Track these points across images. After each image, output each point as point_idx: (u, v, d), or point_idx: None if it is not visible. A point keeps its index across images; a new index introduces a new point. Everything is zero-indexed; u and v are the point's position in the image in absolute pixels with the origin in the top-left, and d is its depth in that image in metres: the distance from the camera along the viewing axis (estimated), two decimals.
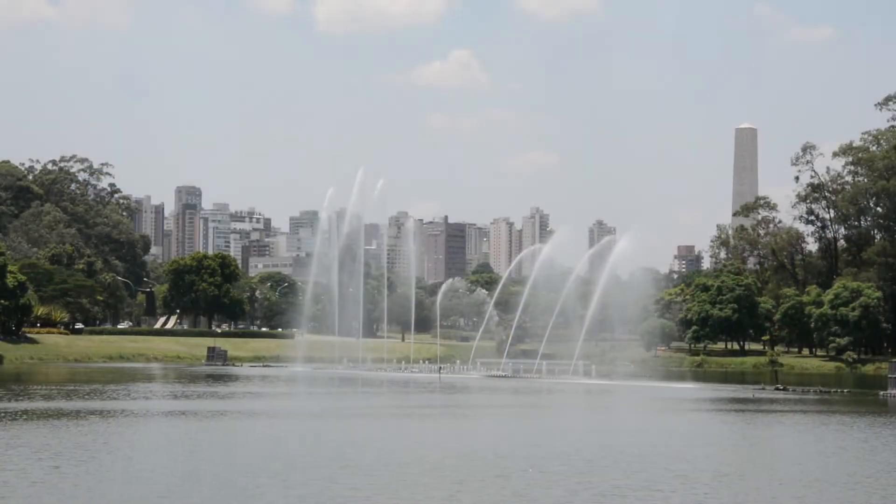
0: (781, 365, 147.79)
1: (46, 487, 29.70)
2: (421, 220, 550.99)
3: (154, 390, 78.51)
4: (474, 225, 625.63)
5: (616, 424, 58.70)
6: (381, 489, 30.39)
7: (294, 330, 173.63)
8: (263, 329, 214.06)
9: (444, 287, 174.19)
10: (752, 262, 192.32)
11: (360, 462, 36.06)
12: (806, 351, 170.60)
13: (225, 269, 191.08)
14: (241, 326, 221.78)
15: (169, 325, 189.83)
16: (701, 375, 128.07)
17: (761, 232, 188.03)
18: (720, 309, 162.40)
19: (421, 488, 30.74)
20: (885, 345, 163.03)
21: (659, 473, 34.64)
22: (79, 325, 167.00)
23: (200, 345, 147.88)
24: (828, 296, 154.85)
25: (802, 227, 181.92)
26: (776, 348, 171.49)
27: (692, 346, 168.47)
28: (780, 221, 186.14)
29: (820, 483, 33.66)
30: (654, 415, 65.04)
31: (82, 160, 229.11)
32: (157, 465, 35.01)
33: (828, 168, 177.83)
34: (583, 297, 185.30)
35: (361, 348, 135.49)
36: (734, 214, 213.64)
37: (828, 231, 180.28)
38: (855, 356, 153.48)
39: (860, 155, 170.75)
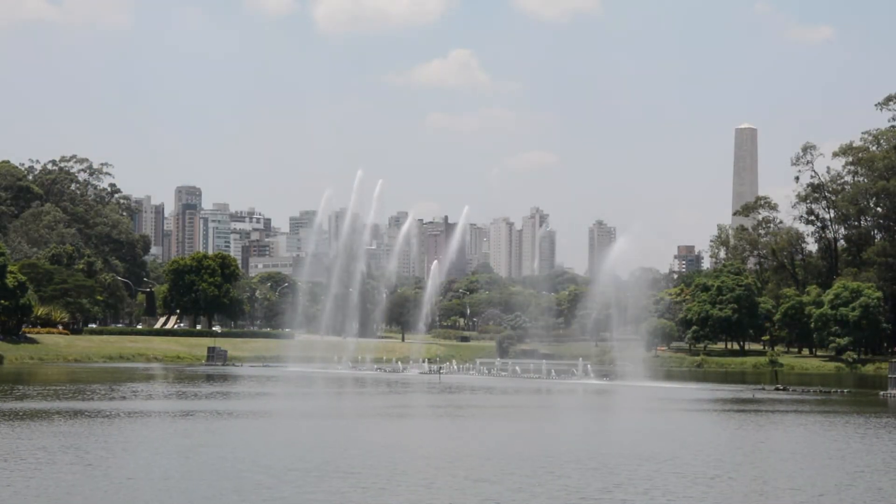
0: (781, 365, 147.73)
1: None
2: (421, 219, 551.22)
3: (142, 390, 77.66)
4: (474, 225, 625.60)
5: (611, 425, 58.63)
6: (345, 492, 30.03)
7: (291, 330, 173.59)
8: (264, 329, 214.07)
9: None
10: (752, 262, 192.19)
11: (333, 463, 35.76)
12: (806, 351, 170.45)
13: (225, 269, 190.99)
14: (235, 326, 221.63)
15: (169, 325, 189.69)
16: (701, 375, 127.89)
17: (761, 232, 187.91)
18: (720, 309, 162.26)
19: (391, 492, 30.34)
20: (885, 345, 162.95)
21: (647, 475, 34.50)
22: (78, 326, 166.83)
23: (200, 345, 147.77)
24: (828, 296, 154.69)
25: (802, 227, 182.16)
26: (776, 348, 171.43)
27: (692, 346, 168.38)
28: (780, 221, 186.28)
29: (809, 485, 33.58)
30: (651, 415, 64.86)
31: (82, 160, 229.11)
32: (122, 467, 34.34)
33: (828, 168, 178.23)
34: (582, 297, 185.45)
35: (361, 348, 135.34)
36: (734, 214, 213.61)
37: (828, 231, 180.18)
38: (855, 356, 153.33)
39: (860, 155, 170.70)
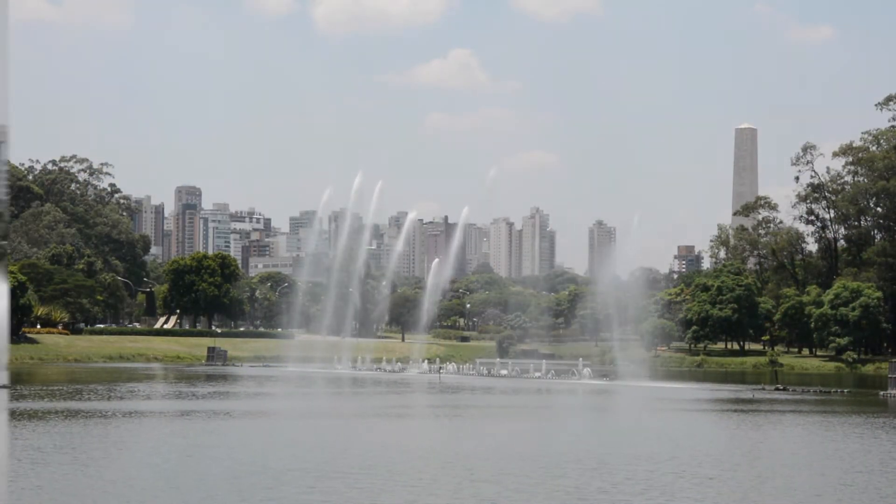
0: (781, 365, 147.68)
1: None
2: (421, 219, 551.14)
3: (141, 390, 77.43)
4: (474, 225, 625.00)
5: (611, 425, 58.55)
6: (344, 492, 29.96)
7: (290, 330, 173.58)
8: (263, 329, 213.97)
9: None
10: (752, 262, 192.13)
11: (331, 464, 35.70)
12: (806, 351, 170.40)
13: (225, 269, 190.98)
14: (235, 326, 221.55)
15: (169, 325, 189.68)
16: (701, 375, 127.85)
17: (761, 232, 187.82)
18: (720, 309, 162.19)
19: (389, 493, 30.24)
20: (885, 345, 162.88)
21: (646, 475, 34.45)
22: (79, 325, 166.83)
23: (200, 345, 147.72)
24: (828, 296, 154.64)
25: (802, 227, 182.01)
26: (776, 348, 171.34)
27: (692, 346, 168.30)
28: (780, 221, 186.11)
29: (808, 486, 33.52)
30: (650, 415, 64.77)
31: (82, 160, 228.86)
32: (118, 468, 34.23)
33: (828, 168, 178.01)
34: (582, 297, 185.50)
35: (361, 348, 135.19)
36: (734, 214, 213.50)
37: (828, 231, 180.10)
38: (855, 356, 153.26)
39: (860, 155, 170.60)
